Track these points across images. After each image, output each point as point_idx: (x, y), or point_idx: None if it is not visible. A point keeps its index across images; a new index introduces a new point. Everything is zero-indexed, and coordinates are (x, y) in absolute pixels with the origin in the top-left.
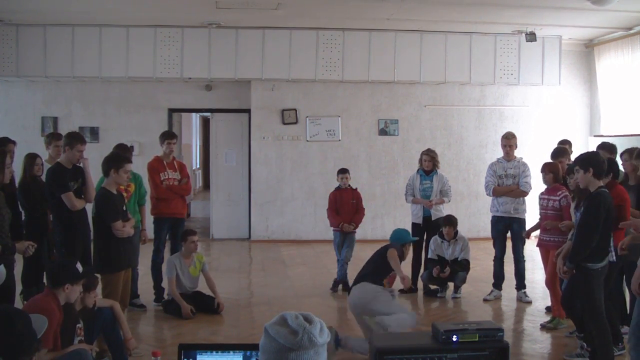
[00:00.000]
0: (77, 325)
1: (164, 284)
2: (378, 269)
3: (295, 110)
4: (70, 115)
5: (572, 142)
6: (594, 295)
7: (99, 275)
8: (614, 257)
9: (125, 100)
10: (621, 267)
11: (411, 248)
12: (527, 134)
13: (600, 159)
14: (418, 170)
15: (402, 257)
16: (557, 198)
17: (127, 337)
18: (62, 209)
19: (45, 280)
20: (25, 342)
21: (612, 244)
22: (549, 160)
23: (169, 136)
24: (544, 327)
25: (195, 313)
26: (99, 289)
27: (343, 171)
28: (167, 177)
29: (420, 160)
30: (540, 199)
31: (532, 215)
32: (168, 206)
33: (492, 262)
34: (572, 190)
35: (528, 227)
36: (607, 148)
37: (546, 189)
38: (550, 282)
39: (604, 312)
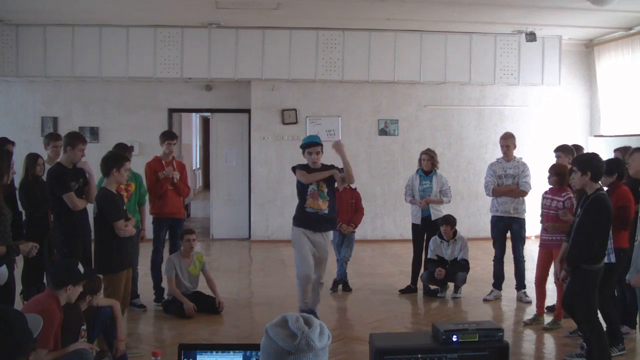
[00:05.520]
0: (82, 327)
1: (164, 284)
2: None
3: (295, 110)
4: (70, 115)
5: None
6: (589, 296)
7: (100, 276)
8: (614, 259)
9: (125, 100)
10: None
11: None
12: (527, 134)
13: (599, 162)
14: (417, 171)
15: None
16: (562, 199)
17: (119, 338)
18: (63, 209)
19: (45, 280)
20: (21, 342)
21: (611, 246)
22: (550, 159)
23: (169, 137)
24: (545, 328)
25: (196, 311)
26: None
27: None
28: (165, 175)
29: (420, 161)
30: (543, 197)
31: (532, 215)
32: (167, 205)
33: (492, 262)
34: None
35: (528, 227)
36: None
37: (550, 189)
38: (539, 281)
39: (597, 313)
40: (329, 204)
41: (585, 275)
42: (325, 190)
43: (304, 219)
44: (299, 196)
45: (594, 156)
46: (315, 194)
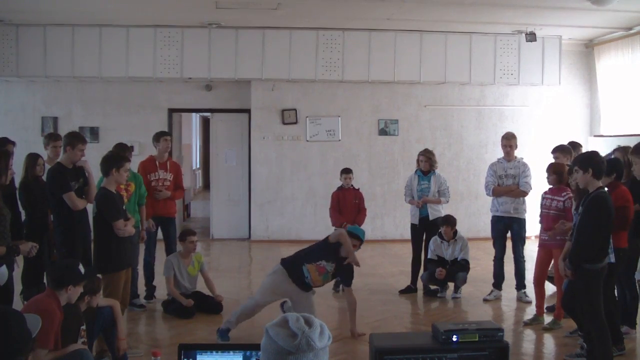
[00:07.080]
0: (81, 327)
1: (156, 282)
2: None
3: (295, 110)
4: (70, 115)
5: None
6: (593, 295)
7: (100, 276)
8: (614, 258)
9: (125, 100)
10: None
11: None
12: (527, 134)
13: (600, 159)
14: (416, 171)
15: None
16: (562, 199)
17: (120, 337)
18: (63, 209)
19: (45, 280)
20: (19, 342)
21: (611, 245)
22: (550, 159)
23: (162, 133)
24: (545, 328)
25: (194, 312)
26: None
27: (346, 171)
28: (157, 177)
29: (418, 161)
30: (543, 198)
31: (532, 215)
32: (152, 206)
33: (492, 262)
34: (572, 190)
35: (528, 227)
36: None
37: (550, 189)
38: (537, 281)
39: (603, 313)
40: (321, 284)
41: (587, 275)
42: (330, 271)
43: (298, 275)
44: (308, 254)
45: (595, 154)
46: (322, 269)
